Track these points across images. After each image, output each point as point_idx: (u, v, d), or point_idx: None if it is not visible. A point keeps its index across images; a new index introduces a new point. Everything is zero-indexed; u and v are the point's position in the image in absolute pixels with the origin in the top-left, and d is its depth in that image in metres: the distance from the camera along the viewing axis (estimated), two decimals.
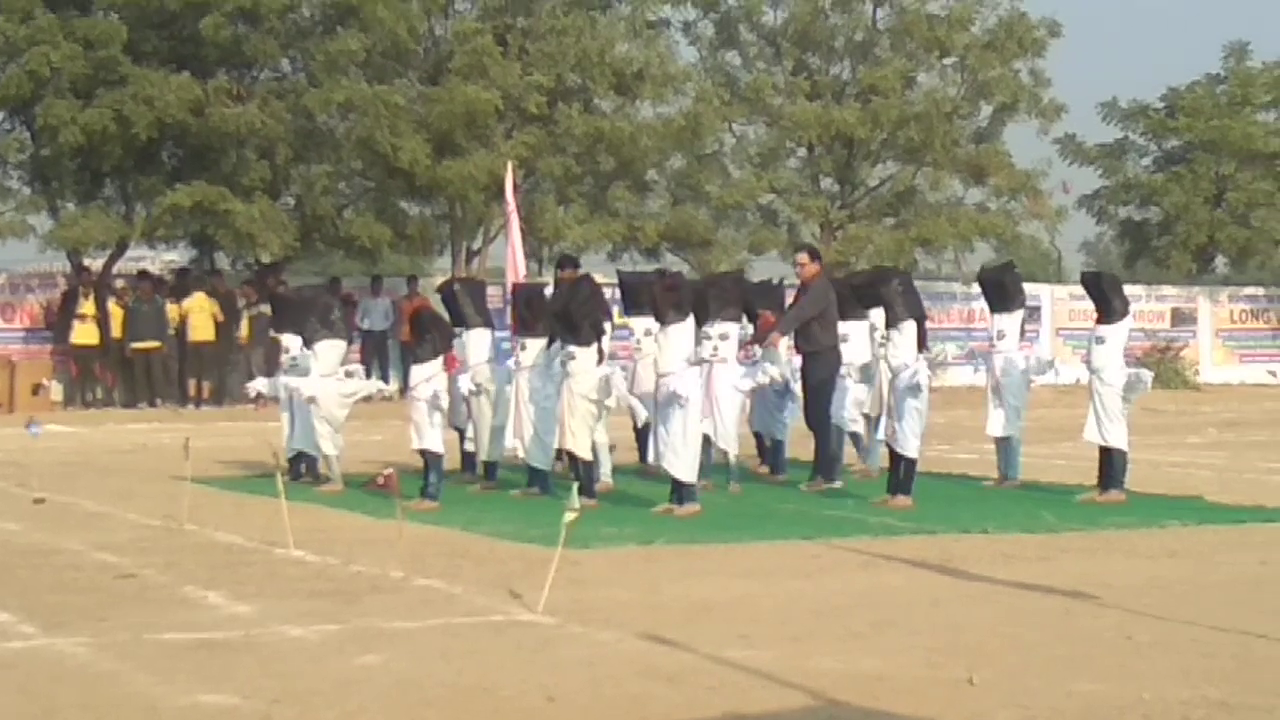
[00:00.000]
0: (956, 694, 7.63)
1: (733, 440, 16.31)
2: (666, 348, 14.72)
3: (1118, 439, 15.47)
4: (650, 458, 15.46)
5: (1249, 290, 44.25)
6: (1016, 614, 9.76)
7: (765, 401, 17.99)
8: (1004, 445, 17.09)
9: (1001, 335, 16.93)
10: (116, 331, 31.34)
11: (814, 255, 17.92)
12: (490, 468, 17.13)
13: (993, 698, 7.53)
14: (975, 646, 8.72)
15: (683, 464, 14.53)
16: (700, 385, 14.80)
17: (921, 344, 15.48)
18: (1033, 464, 17.33)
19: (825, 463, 16.98)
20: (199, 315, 31.66)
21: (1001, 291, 17.08)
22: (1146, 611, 9.73)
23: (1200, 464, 19.79)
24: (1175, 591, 10.55)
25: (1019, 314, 17.04)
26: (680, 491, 14.65)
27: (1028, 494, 16.36)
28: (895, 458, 15.43)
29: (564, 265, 19.60)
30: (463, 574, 11.28)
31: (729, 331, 16.13)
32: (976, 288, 39.15)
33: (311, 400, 16.67)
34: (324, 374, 16.93)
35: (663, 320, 14.81)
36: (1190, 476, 17.86)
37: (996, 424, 16.95)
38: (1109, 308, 15.64)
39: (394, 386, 26.92)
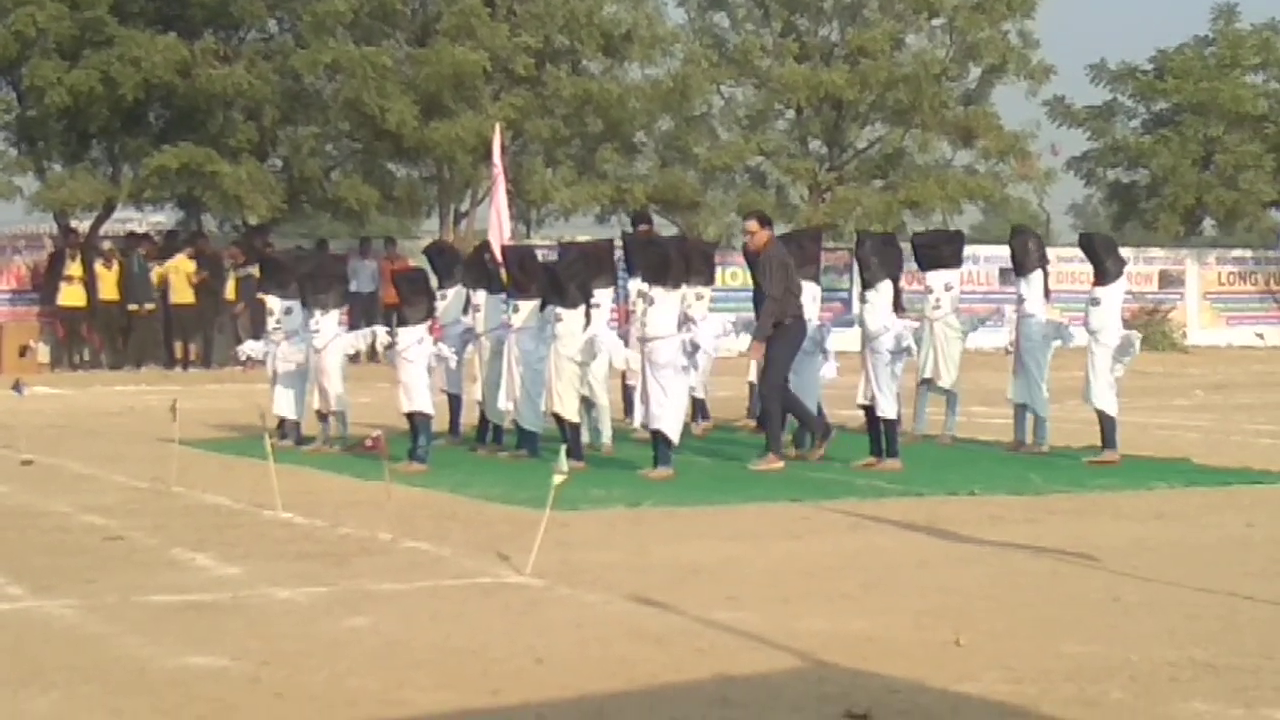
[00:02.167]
0: (944, 655, 7.65)
1: (813, 404, 16.22)
2: (660, 310, 14.67)
3: (1104, 402, 15.47)
4: (637, 420, 15.35)
5: (1237, 253, 44.28)
6: (1004, 576, 9.79)
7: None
8: (1021, 411, 17.00)
9: (1022, 299, 16.85)
10: (107, 293, 31.28)
11: (764, 221, 16.22)
12: (499, 430, 17.05)
13: (980, 659, 7.55)
14: (963, 608, 8.74)
15: (674, 424, 14.52)
16: (686, 350, 14.65)
17: (897, 305, 15.50)
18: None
19: (776, 436, 15.58)
20: (177, 277, 31.61)
21: (1013, 255, 16.99)
22: (1134, 573, 9.76)
23: (1187, 426, 19.83)
24: (1162, 553, 10.57)
25: (1036, 276, 16.89)
26: (657, 453, 14.65)
27: (1016, 456, 16.38)
28: (875, 421, 15.42)
29: (638, 221, 19.66)
30: (451, 536, 11.29)
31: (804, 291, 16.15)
32: (964, 250, 39.59)
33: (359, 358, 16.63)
34: (335, 334, 16.94)
35: (666, 283, 14.69)
36: (1177, 439, 17.90)
37: (1013, 389, 16.92)
38: (1102, 269, 15.60)
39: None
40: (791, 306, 15.54)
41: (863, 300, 15.43)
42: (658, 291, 14.63)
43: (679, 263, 14.95)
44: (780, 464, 15.12)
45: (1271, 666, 7.43)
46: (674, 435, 14.55)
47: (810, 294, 16.45)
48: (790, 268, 15.68)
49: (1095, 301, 15.57)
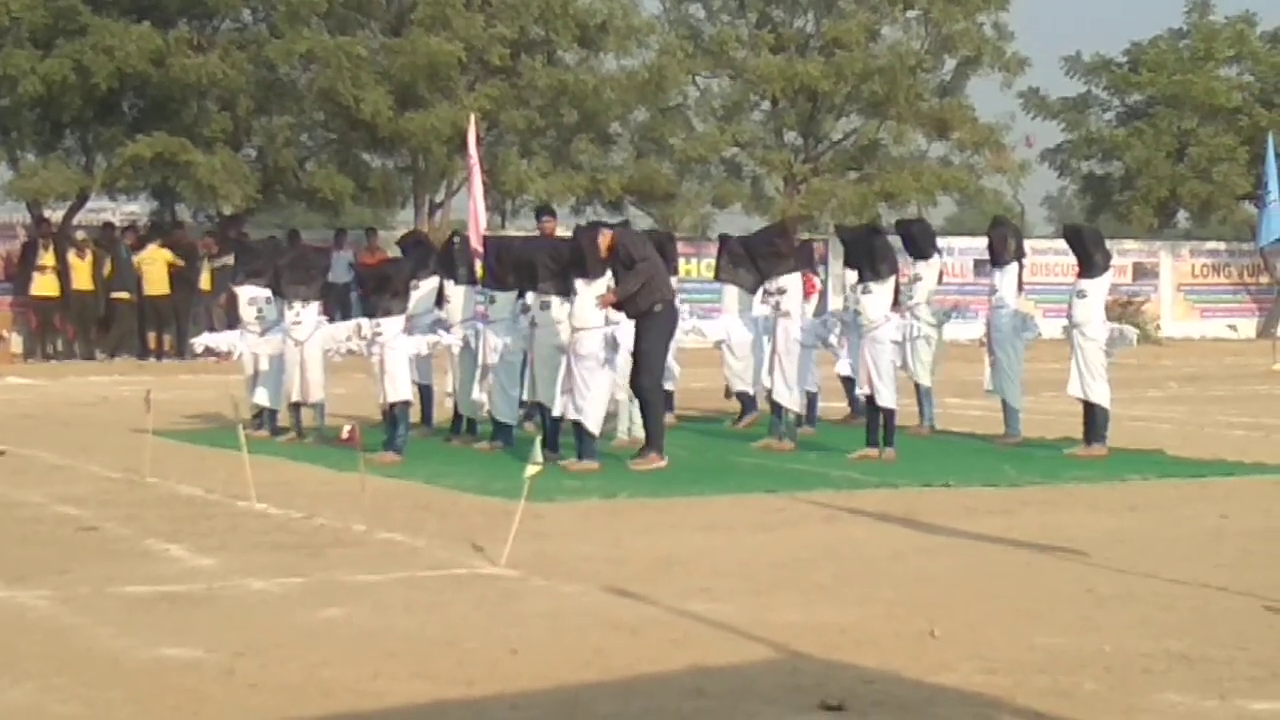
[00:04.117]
0: (919, 646, 7.66)
1: (794, 396, 16.25)
2: (583, 302, 14.56)
3: (1100, 395, 15.46)
4: (558, 410, 14.91)
5: (1210, 245, 44.40)
6: (978, 567, 9.80)
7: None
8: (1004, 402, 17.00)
9: (994, 290, 16.87)
10: (80, 283, 31.20)
11: (597, 227, 15.36)
12: (473, 422, 17.00)
13: (955, 650, 7.57)
14: (937, 599, 8.76)
15: (595, 418, 14.48)
16: (606, 344, 14.55)
17: (896, 299, 15.49)
18: (993, 418, 17.39)
19: (657, 433, 14.91)
20: (152, 267, 31.51)
21: (990, 248, 16.97)
22: (1108, 565, 9.78)
23: (1161, 418, 19.88)
24: (1136, 545, 10.60)
25: (1011, 269, 16.90)
26: (581, 445, 14.55)
27: (990, 447, 16.42)
28: (880, 411, 15.41)
29: (541, 214, 19.62)
30: (426, 527, 11.28)
31: (787, 285, 16.15)
32: (939, 241, 39.73)
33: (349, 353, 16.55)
34: (315, 325, 16.92)
35: (587, 274, 14.57)
36: (1151, 430, 17.94)
37: (990, 380, 16.93)
38: (1089, 262, 15.57)
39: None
40: (660, 291, 14.93)
41: (865, 291, 15.37)
42: (580, 284, 14.56)
43: (594, 252, 14.74)
44: (662, 462, 14.67)
45: (1245, 658, 7.45)
46: (594, 428, 14.50)
47: (796, 285, 16.50)
48: (650, 246, 15.24)
49: (1081, 294, 15.51)
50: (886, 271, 15.42)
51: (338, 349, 16.47)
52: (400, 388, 15.36)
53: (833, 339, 16.82)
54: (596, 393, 14.44)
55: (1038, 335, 16.94)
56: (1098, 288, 15.58)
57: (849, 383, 18.11)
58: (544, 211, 20.81)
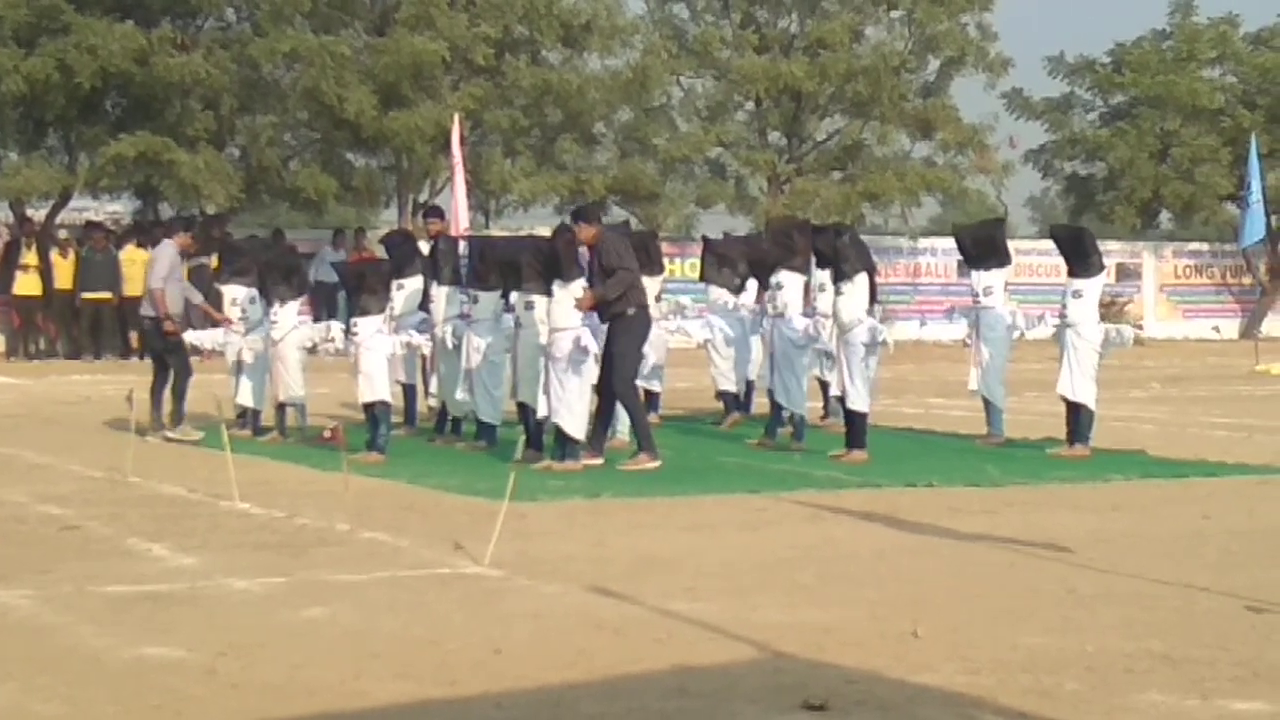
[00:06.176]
0: (902, 646, 7.67)
1: (796, 398, 16.24)
2: (560, 303, 14.53)
3: (1086, 395, 15.47)
4: (540, 411, 14.91)
5: (1193, 246, 44.49)
6: (961, 567, 9.81)
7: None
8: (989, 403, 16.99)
9: (989, 291, 16.70)
10: (62, 282, 31.12)
11: (587, 219, 15.09)
12: (457, 421, 17.03)
13: (937, 650, 7.58)
14: (920, 599, 8.76)
15: (574, 420, 14.45)
16: (577, 345, 14.47)
17: (873, 298, 15.50)
18: (976, 418, 17.40)
19: (644, 434, 14.94)
20: (131, 267, 31.41)
21: (991, 247, 16.90)
22: (1090, 565, 9.80)
23: (1143, 418, 19.91)
24: (1118, 545, 10.62)
25: (1004, 271, 16.86)
26: (564, 447, 14.55)
27: (972, 447, 16.42)
28: (847, 413, 15.42)
29: (429, 216, 19.09)
30: (409, 527, 11.27)
31: (785, 282, 16.08)
32: (923, 242, 39.91)
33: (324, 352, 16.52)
34: (293, 326, 16.93)
35: (564, 276, 14.55)
36: (1133, 431, 17.96)
37: (975, 380, 16.88)
38: (1084, 262, 15.54)
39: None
40: (635, 295, 14.84)
41: (838, 292, 15.33)
42: (556, 285, 14.52)
43: (570, 253, 14.71)
44: (655, 463, 14.66)
45: (1227, 658, 7.46)
46: (574, 432, 14.43)
47: (796, 285, 16.51)
48: (632, 250, 15.05)
49: (1077, 294, 15.49)
50: (852, 271, 15.33)
51: (314, 349, 16.48)
52: (377, 388, 15.35)
53: (824, 339, 16.73)
54: (573, 395, 14.40)
55: (1053, 330, 16.82)
56: (1092, 287, 15.58)
57: (825, 385, 18.16)
58: (431, 212, 19.29)
